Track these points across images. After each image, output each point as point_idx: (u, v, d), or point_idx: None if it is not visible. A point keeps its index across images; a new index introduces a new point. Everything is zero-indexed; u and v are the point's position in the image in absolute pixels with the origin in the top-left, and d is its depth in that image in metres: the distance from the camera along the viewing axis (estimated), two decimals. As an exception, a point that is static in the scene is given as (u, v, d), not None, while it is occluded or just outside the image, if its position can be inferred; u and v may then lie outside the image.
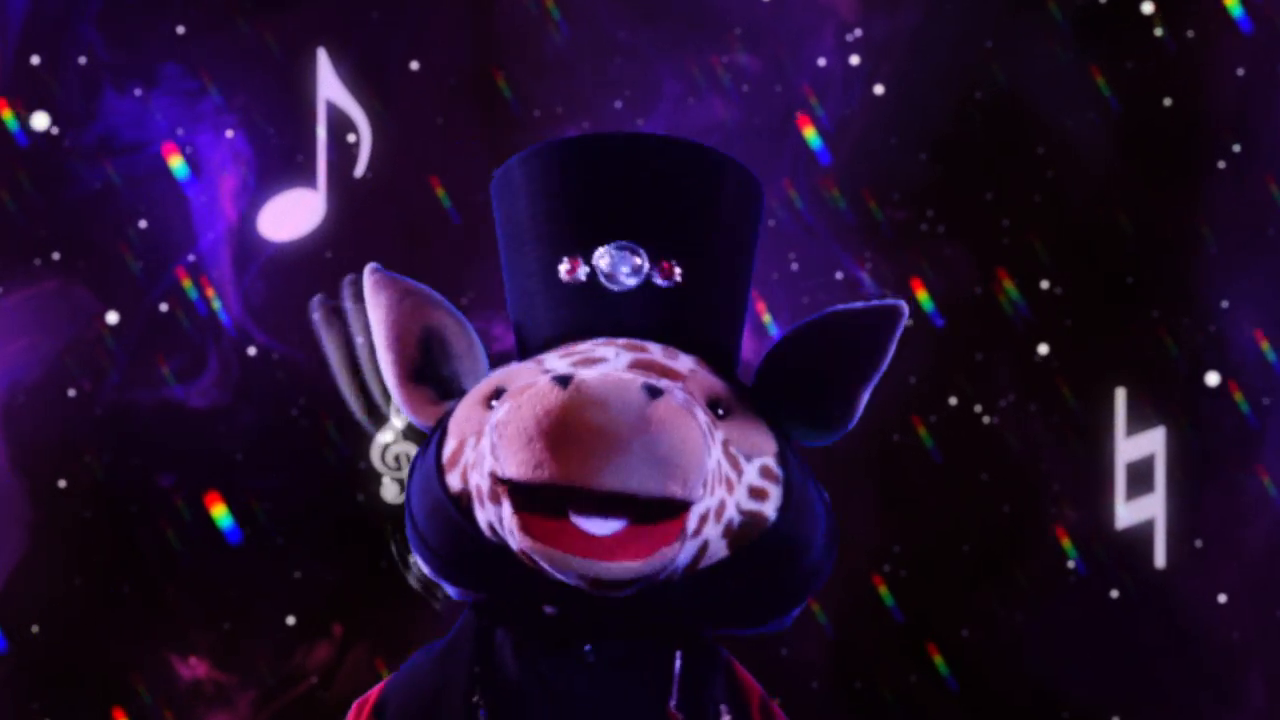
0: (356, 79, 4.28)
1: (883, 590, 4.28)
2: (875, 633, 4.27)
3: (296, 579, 4.26)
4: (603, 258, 2.08)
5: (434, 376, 2.13)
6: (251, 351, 4.27)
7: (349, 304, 2.18)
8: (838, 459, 4.12)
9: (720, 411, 2.04)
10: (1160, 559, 4.29)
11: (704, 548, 2.00)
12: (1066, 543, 4.28)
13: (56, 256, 4.24)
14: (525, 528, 1.94)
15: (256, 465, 4.24)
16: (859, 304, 2.09)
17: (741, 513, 2.02)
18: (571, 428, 1.90)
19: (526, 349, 2.15)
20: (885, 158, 4.27)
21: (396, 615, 4.13)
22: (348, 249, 4.18)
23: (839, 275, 4.27)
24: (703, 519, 1.98)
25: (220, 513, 4.29)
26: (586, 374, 1.94)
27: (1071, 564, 4.29)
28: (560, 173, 2.12)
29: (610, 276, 2.08)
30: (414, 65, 4.29)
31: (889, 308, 2.08)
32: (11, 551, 4.25)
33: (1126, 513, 4.29)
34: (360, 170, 4.27)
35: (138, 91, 4.23)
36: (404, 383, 2.14)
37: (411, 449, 3.99)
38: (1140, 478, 4.25)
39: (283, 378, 4.26)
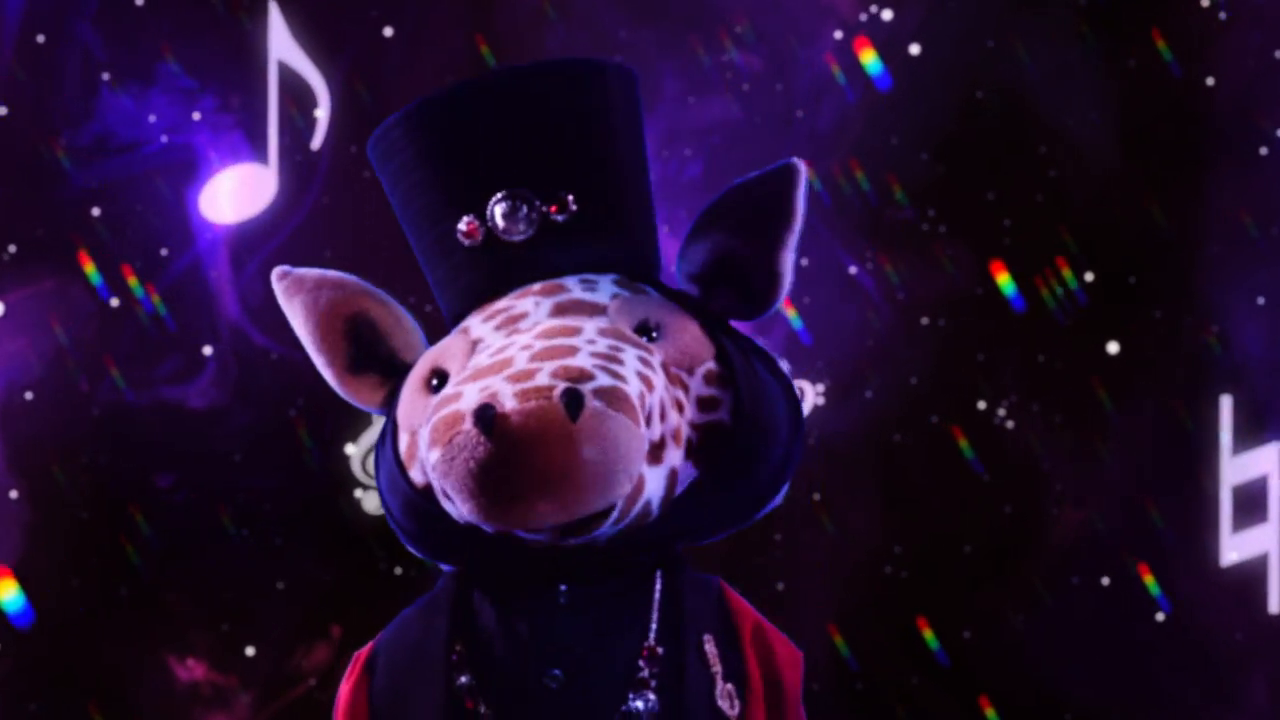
0: (353, 79, 4.29)
1: (884, 590, 4.30)
2: (876, 634, 4.28)
3: (295, 580, 4.26)
4: (495, 212, 2.06)
5: (372, 361, 2.12)
6: (249, 352, 4.28)
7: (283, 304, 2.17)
8: (839, 459, 4.19)
9: (653, 334, 2.04)
10: (1276, 603, 4.25)
11: (672, 474, 2.00)
12: (1150, 580, 4.26)
13: (54, 256, 4.25)
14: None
15: (255, 465, 4.25)
16: (754, 172, 2.08)
17: (696, 428, 2.02)
18: (506, 483, 1.91)
19: (451, 312, 2.14)
20: (887, 157, 4.26)
21: (395, 616, 4.16)
22: (347, 247, 4.17)
23: (839, 273, 4.24)
24: (660, 445, 1.98)
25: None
26: (505, 401, 1.90)
27: (1160, 616, 4.26)
28: (430, 135, 2.09)
29: (509, 230, 2.07)
30: (412, 64, 4.27)
31: (784, 166, 2.07)
32: (9, 553, 4.24)
33: (1233, 546, 4.23)
34: (317, 143, 4.23)
35: (135, 90, 4.25)
36: (344, 377, 2.13)
37: None
38: (1249, 504, 4.23)
39: (281, 378, 4.25)
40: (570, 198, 2.08)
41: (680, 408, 2.01)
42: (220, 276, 4.26)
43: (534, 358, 1.96)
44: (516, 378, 1.94)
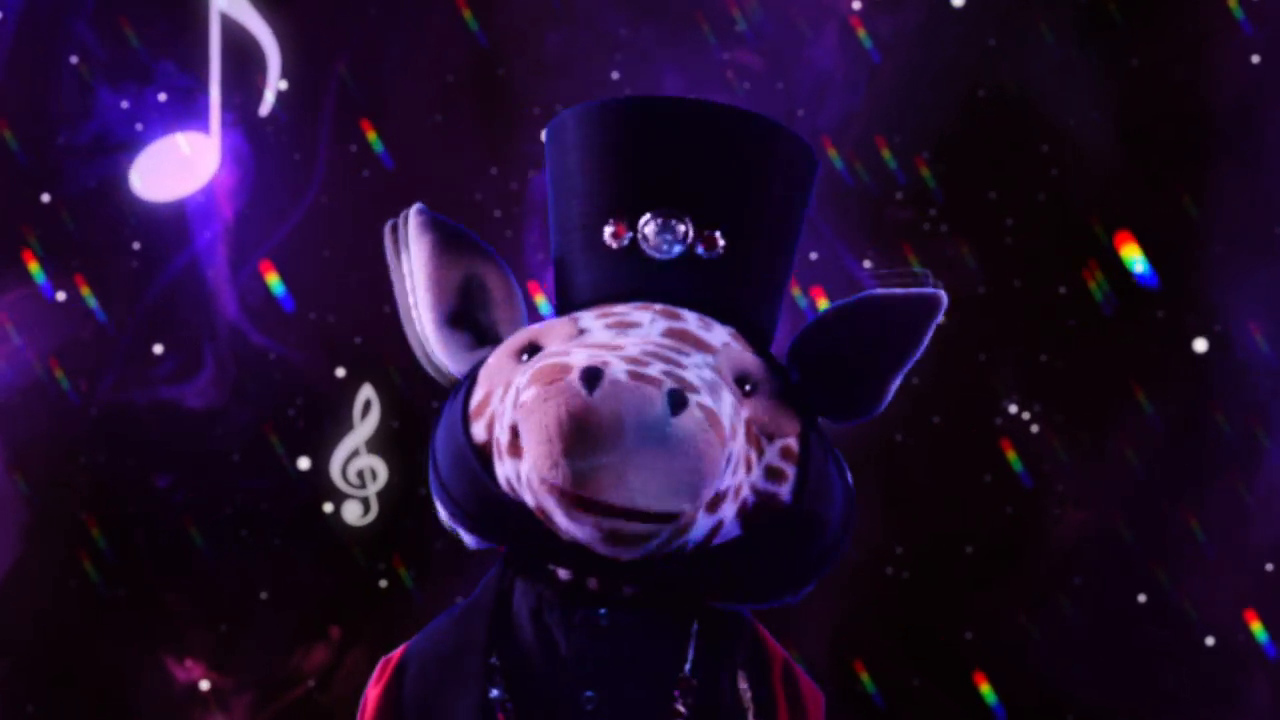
0: (351, 77, 4.28)
1: (886, 591, 4.30)
2: (878, 635, 4.28)
3: (293, 581, 4.27)
4: (648, 225, 2.09)
5: (471, 323, 2.14)
6: (247, 352, 4.29)
7: (390, 250, 2.17)
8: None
9: (748, 388, 2.05)
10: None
11: (718, 526, 2.01)
12: (1257, 627, 4.24)
13: (51, 256, 4.26)
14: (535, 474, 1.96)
15: (253, 466, 4.26)
16: (898, 290, 2.11)
17: (756, 493, 2.03)
18: (589, 440, 1.90)
19: (566, 303, 2.16)
20: (888, 156, 4.25)
21: (394, 618, 4.16)
22: (345, 246, 4.16)
23: (839, 271, 4.24)
24: (719, 497, 1.98)
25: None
26: (615, 371, 1.92)
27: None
28: (610, 135, 2.12)
29: (654, 245, 2.09)
30: (412, 63, 4.27)
31: (928, 297, 2.12)
32: (6, 554, 4.25)
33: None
34: (266, 109, 4.22)
35: (132, 89, 4.26)
36: (441, 327, 2.13)
37: (377, 463, 4.20)
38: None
39: (279, 378, 4.27)
40: (722, 240, 2.09)
41: (749, 468, 2.02)
42: (218, 276, 4.27)
43: (646, 353, 1.98)
44: (630, 359, 1.96)
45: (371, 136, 4.28)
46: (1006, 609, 4.25)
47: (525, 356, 2.06)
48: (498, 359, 2.08)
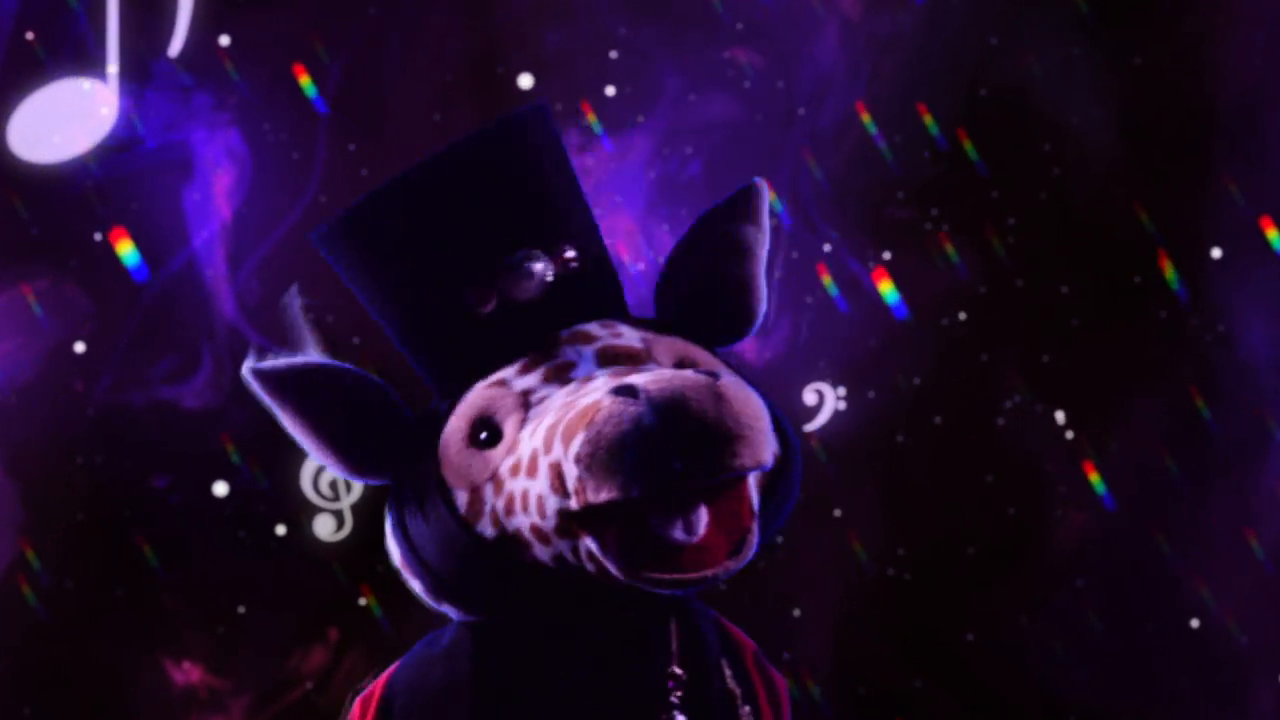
0: (352, 78, 4.28)
1: (887, 593, 4.29)
2: (878, 637, 4.28)
3: (292, 582, 4.24)
4: (506, 276, 2.05)
5: (378, 449, 2.08)
6: (246, 351, 4.21)
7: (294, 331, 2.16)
8: (841, 460, 4.18)
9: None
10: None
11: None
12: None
13: (48, 256, 4.24)
14: (625, 558, 1.92)
15: (252, 466, 4.22)
16: (718, 201, 2.12)
17: None
18: (660, 437, 1.85)
19: (450, 379, 2.09)
20: (889, 155, 4.25)
21: (393, 620, 4.16)
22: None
23: (842, 271, 4.24)
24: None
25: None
26: (639, 379, 1.89)
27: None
28: (411, 216, 2.07)
29: (522, 291, 2.05)
30: (411, 61, 4.27)
31: (745, 190, 2.11)
32: (3, 554, 4.23)
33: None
34: (174, 50, 4.19)
35: (130, 89, 4.23)
36: (350, 464, 2.09)
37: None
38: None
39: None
40: (569, 249, 2.08)
41: None
42: (216, 275, 4.25)
43: (634, 376, 1.95)
44: (641, 375, 1.93)
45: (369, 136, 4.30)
46: (1008, 610, 4.25)
47: (484, 435, 2.02)
48: (454, 453, 2.03)
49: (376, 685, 2.12)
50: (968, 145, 4.23)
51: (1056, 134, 4.22)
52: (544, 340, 2.05)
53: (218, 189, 4.27)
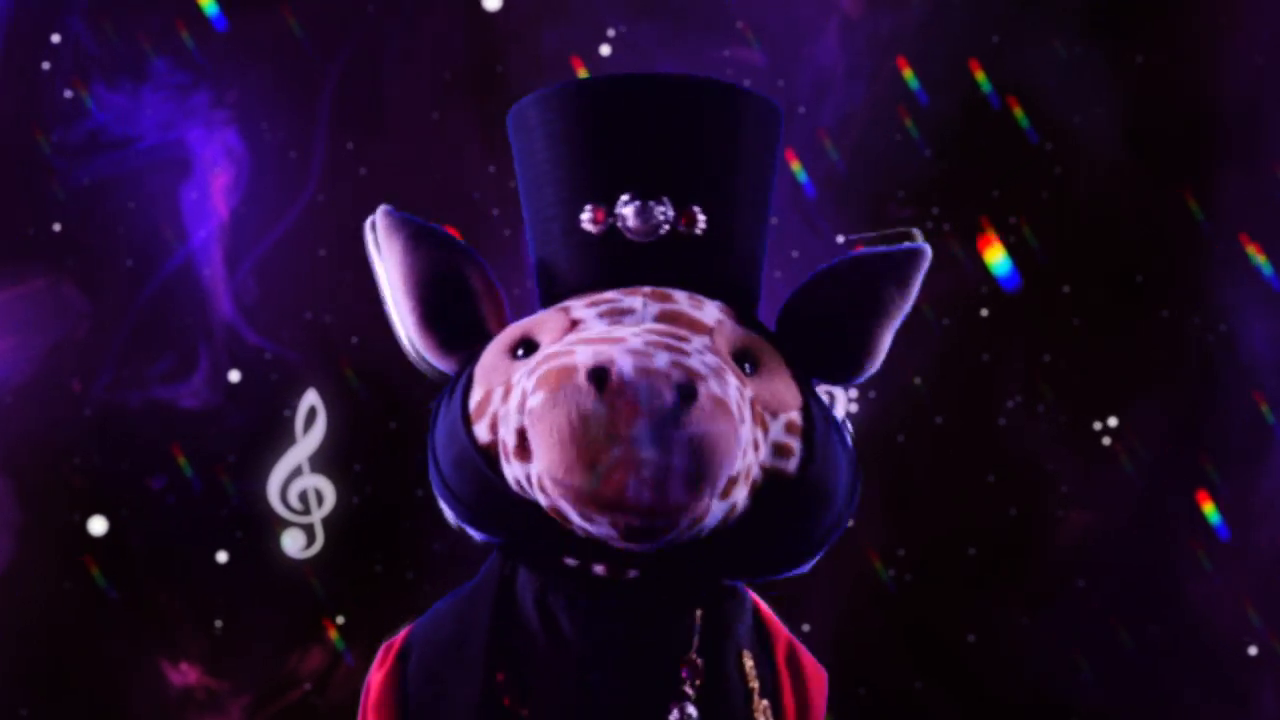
0: (349, 73, 4.26)
1: (887, 594, 4.27)
2: (879, 638, 4.26)
3: (290, 583, 4.23)
4: (626, 208, 2.08)
5: (454, 319, 2.14)
6: (243, 351, 4.26)
7: (370, 251, 2.18)
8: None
9: (747, 366, 2.05)
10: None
11: (731, 509, 2.00)
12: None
13: (45, 255, 4.24)
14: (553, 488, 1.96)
15: (249, 467, 4.22)
16: (881, 248, 2.12)
17: (765, 470, 2.03)
18: (602, 441, 1.89)
19: (550, 293, 2.15)
20: (889, 155, 4.23)
21: (392, 619, 4.13)
22: (342, 244, 4.13)
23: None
24: (732, 482, 1.98)
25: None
26: (623, 368, 1.91)
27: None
28: (579, 118, 2.12)
29: (634, 228, 2.09)
30: (409, 60, 4.25)
31: (912, 251, 2.11)
32: (0, 555, 4.23)
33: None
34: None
35: (127, 87, 4.23)
36: (423, 327, 2.14)
37: (322, 482, 4.12)
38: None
39: (276, 378, 4.24)
40: (703, 217, 2.09)
41: (757, 448, 2.02)
42: (214, 275, 4.25)
43: (649, 344, 1.96)
44: (634, 353, 1.94)
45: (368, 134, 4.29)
46: (1009, 611, 4.25)
47: (521, 352, 2.06)
48: (492, 356, 2.08)
49: (400, 635, 2.15)
50: (969, 144, 4.23)
51: (1059, 133, 4.21)
52: (630, 283, 2.08)
53: (215, 188, 4.26)
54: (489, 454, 2.03)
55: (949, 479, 4.25)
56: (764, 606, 2.15)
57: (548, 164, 2.14)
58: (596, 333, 2.02)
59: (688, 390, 1.91)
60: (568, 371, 1.93)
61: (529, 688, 2.04)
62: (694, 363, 1.96)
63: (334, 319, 4.26)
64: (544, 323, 2.08)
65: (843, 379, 2.15)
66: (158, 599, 4.24)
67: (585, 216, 2.10)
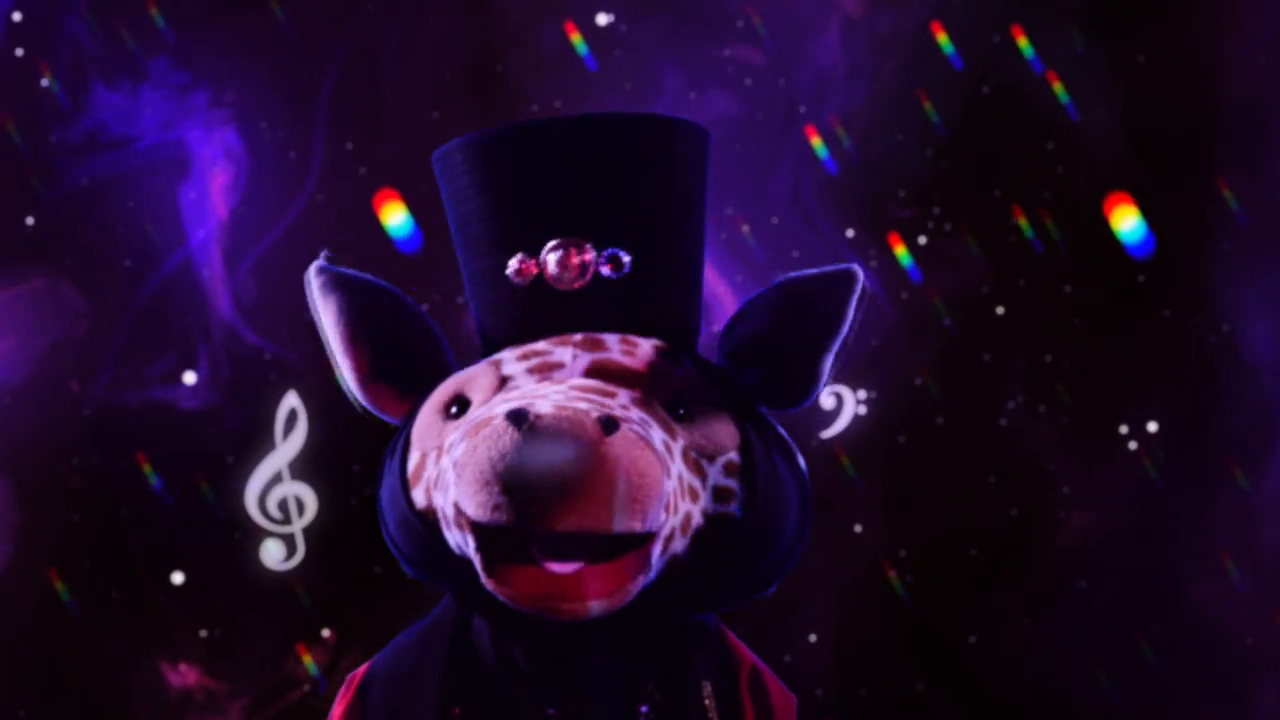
0: (350, 76, 4.25)
1: (889, 595, 4.26)
2: (880, 639, 4.26)
3: (288, 584, 4.22)
4: (549, 254, 2.07)
5: (395, 372, 2.14)
6: (242, 352, 4.25)
7: (311, 301, 2.18)
8: (842, 460, 4.14)
9: (681, 411, 2.04)
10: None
11: (673, 560, 2.01)
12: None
13: (44, 254, 4.24)
14: (489, 571, 1.95)
15: (248, 468, 4.20)
16: (812, 270, 2.11)
17: (707, 517, 2.03)
18: (527, 472, 1.88)
19: (486, 341, 2.16)
20: (891, 154, 4.22)
21: (389, 621, 4.11)
22: (342, 245, 4.08)
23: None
24: (668, 539, 1.98)
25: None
26: (542, 409, 1.91)
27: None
28: (501, 166, 2.10)
29: (558, 277, 2.08)
30: (409, 59, 4.24)
31: (843, 272, 2.10)
32: (-1, 556, 4.29)
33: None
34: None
35: (126, 86, 4.24)
36: (366, 383, 2.14)
37: (302, 490, 4.09)
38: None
39: (275, 379, 4.23)
40: (626, 258, 2.08)
41: (695, 496, 2.01)
42: (213, 275, 4.24)
43: (571, 398, 1.97)
44: (554, 402, 1.95)
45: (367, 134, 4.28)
46: (1011, 612, 4.24)
47: (454, 409, 2.06)
48: (426, 417, 2.08)
49: (363, 668, 2.17)
50: (970, 144, 4.21)
51: (1061, 132, 4.20)
52: (560, 331, 2.08)
53: (214, 188, 4.26)
54: (426, 519, 2.03)
55: (950, 479, 4.24)
56: (729, 635, 2.15)
57: (476, 212, 2.13)
58: (521, 393, 2.01)
59: (609, 421, 1.91)
60: (487, 420, 1.93)
61: None
62: (615, 408, 1.97)
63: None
64: (474, 379, 2.07)
65: (785, 405, 2.13)
66: (156, 600, 4.23)
67: (511, 268, 2.09)
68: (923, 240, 4.21)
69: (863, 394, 4.15)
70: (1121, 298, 4.24)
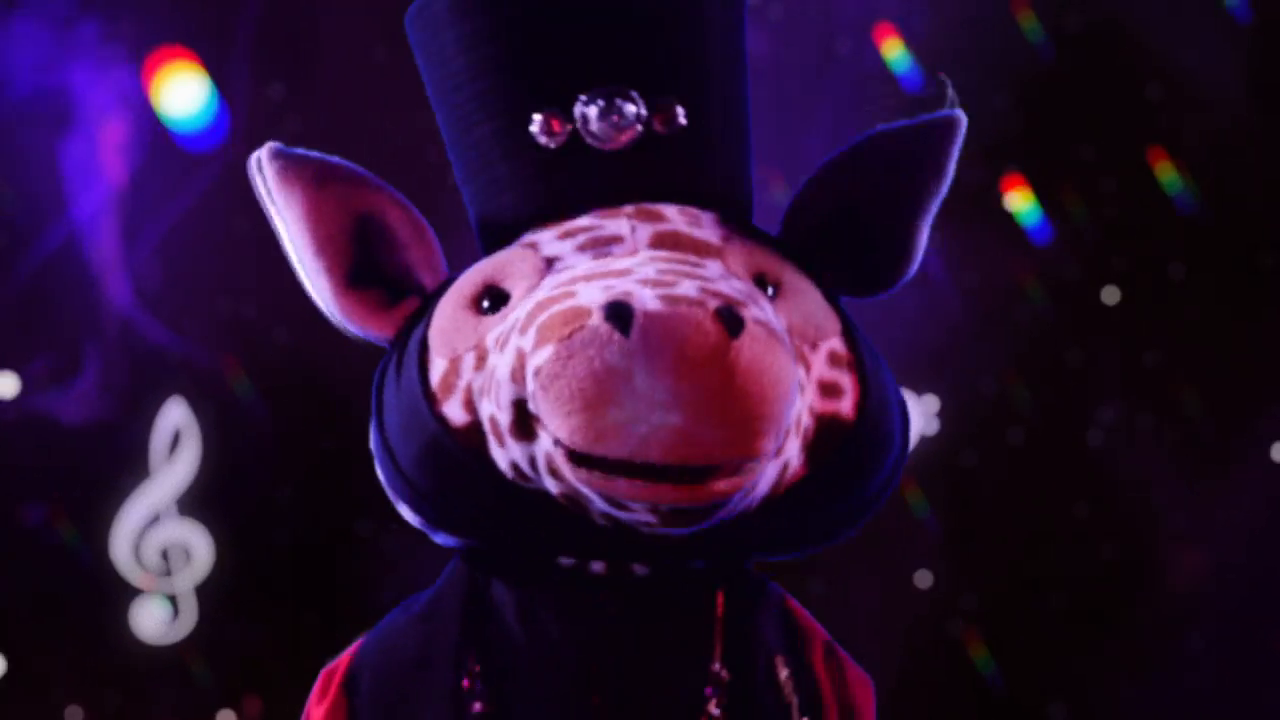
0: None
1: (955, 654, 4.10)
2: (943, 707, 4.08)
3: (205, 637, 4.08)
4: (588, 110, 1.91)
5: (379, 275, 1.97)
6: (143, 350, 4.11)
7: (262, 199, 1.98)
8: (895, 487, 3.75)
9: (770, 289, 1.91)
10: None
11: (785, 468, 1.85)
12: None
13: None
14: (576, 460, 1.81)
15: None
16: (904, 120, 1.95)
17: (815, 416, 1.86)
18: (641, 394, 1.74)
19: (493, 229, 1.98)
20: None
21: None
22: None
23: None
24: (785, 434, 1.86)
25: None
26: (646, 301, 1.76)
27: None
28: (509, 9, 1.96)
29: (600, 134, 1.91)
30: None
31: (945, 119, 1.94)
32: None
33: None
34: None
35: (-9, 18, 4.06)
36: (342, 290, 1.95)
37: (193, 531, 4.00)
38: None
39: (184, 383, 4.13)
40: (681, 111, 1.92)
41: (802, 389, 1.87)
42: (105, 255, 4.12)
43: (663, 272, 1.81)
44: (652, 283, 1.79)
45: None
46: (1107, 676, 4.09)
47: (487, 303, 1.90)
48: (450, 314, 1.92)
49: (343, 658, 1.99)
50: (1052, 91, 4.03)
51: (1168, 74, 4.03)
52: (605, 203, 1.93)
53: (106, 144, 4.15)
54: (466, 438, 1.87)
55: (1028, 510, 4.12)
56: (794, 602, 1.98)
57: (479, 65, 1.97)
58: (587, 269, 1.87)
59: (733, 317, 1.75)
60: (578, 314, 1.78)
61: (513, 716, 1.90)
62: (723, 288, 1.82)
63: (257, 310, 4.15)
64: (508, 265, 1.92)
65: (873, 290, 1.98)
66: (31, 662, 4.06)
67: (536, 126, 1.92)
68: (990, 210, 4.06)
69: (937, 404, 4.02)
70: (1241, 284, 4.10)
